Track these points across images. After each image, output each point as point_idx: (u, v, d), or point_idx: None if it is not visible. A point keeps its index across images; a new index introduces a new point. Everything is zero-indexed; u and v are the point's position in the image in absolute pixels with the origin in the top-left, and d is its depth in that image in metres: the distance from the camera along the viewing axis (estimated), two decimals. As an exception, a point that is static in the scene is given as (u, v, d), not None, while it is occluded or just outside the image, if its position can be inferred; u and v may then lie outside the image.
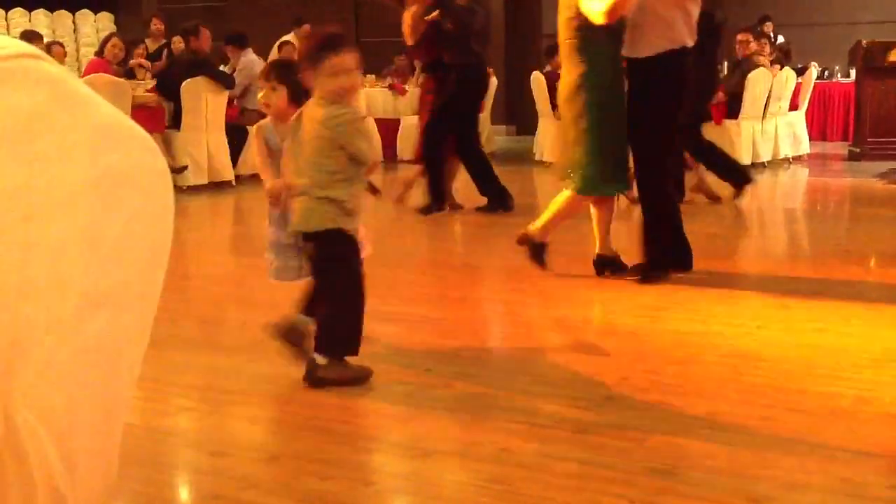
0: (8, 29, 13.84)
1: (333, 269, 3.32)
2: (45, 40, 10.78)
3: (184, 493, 2.43)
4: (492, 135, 12.37)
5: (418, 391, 3.21)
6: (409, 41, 7.36)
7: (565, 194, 4.74)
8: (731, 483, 2.46)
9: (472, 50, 7.15)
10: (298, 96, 3.47)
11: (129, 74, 9.19)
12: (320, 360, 3.20)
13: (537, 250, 4.85)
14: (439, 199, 7.19)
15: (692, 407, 3.04)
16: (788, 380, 3.27)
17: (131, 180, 0.68)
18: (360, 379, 3.24)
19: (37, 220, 0.61)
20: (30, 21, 14.55)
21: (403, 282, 5.07)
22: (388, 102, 11.80)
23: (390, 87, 11.87)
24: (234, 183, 8.84)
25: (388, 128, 11.40)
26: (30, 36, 8.82)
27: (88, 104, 0.66)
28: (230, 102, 8.96)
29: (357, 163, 3.24)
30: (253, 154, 3.90)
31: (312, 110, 3.25)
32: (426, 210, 7.12)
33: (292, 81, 3.49)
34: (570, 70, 4.65)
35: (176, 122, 8.35)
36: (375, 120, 11.31)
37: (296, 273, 3.54)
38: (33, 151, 0.60)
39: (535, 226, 4.85)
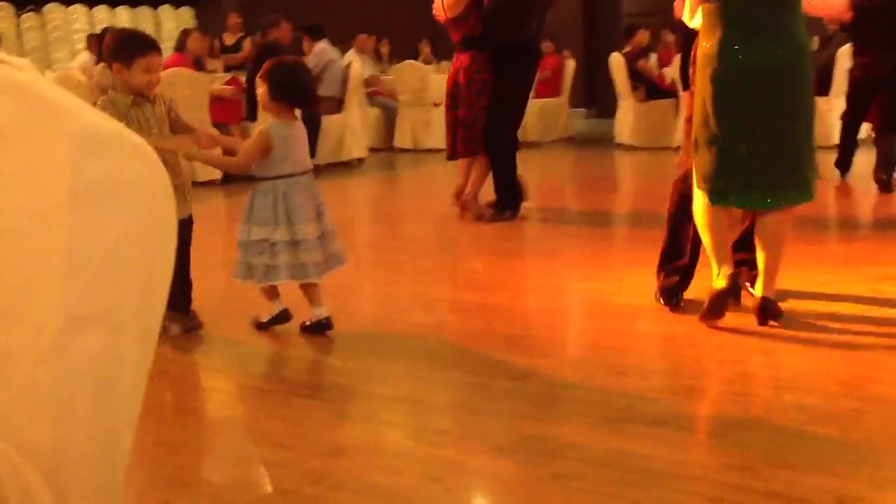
0: (93, 25, 14.15)
1: None
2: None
3: (249, 487, 2.39)
4: (571, 119, 12.19)
5: (488, 383, 3.13)
6: (450, 13, 6.30)
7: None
8: (818, 481, 2.32)
9: (523, 26, 6.22)
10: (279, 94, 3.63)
11: (199, 67, 9.27)
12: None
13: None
14: (513, 199, 6.41)
15: (777, 399, 2.90)
16: (884, 371, 3.09)
17: (122, 192, 0.62)
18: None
19: (6, 240, 0.55)
20: (113, 17, 14.86)
21: (472, 270, 4.99)
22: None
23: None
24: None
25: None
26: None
27: (64, 112, 0.60)
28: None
29: None
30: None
31: None
32: (499, 213, 6.38)
33: (272, 80, 3.65)
34: (789, 23, 3.48)
35: (253, 112, 8.41)
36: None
37: (261, 273, 3.61)
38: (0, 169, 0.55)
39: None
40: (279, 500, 2.30)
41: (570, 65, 11.95)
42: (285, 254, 3.58)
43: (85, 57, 10.38)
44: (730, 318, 3.60)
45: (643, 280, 4.17)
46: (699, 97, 3.52)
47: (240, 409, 2.96)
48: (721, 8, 3.44)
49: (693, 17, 3.65)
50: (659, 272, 3.96)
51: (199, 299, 3.90)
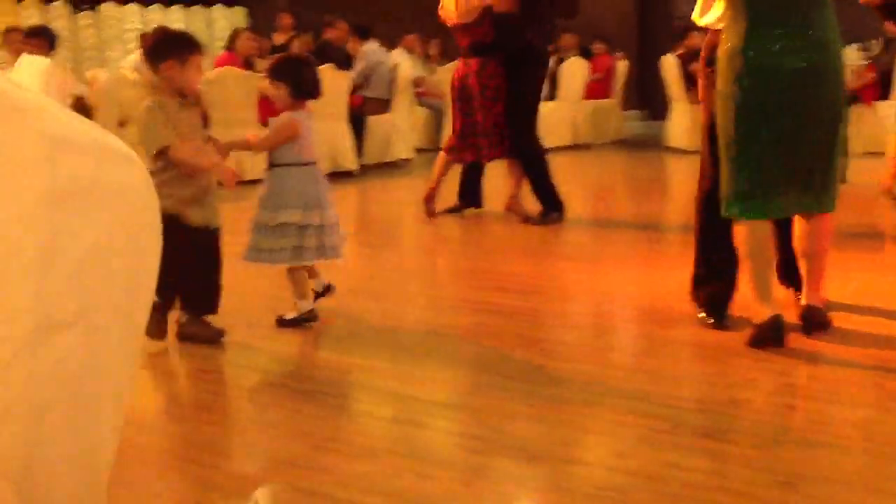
0: (146, 24, 14.31)
1: None
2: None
3: (279, 488, 2.36)
4: (622, 121, 12.07)
5: (525, 388, 3.07)
6: (463, 19, 6.24)
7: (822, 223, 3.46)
8: (866, 500, 2.23)
9: (537, 32, 6.19)
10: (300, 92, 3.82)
11: (249, 67, 9.33)
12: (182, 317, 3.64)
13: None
14: (554, 200, 6.40)
15: (824, 413, 2.80)
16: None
17: (103, 194, 0.59)
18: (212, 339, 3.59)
19: None
20: (166, 16, 15.03)
21: (514, 273, 4.93)
22: (514, 90, 11.62)
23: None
24: (355, 172, 8.87)
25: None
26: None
27: (38, 114, 0.57)
28: (353, 91, 9.00)
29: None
30: None
31: None
32: (544, 217, 6.36)
33: (292, 79, 3.81)
34: (816, 19, 3.29)
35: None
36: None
37: (267, 256, 3.73)
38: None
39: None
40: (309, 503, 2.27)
41: (623, 66, 11.84)
42: (314, 236, 3.74)
43: (137, 56, 10.50)
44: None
45: (687, 286, 4.08)
46: (721, 101, 3.33)
47: (273, 409, 2.94)
48: (743, 1, 3.26)
49: (703, 14, 3.53)
50: (696, 293, 3.75)
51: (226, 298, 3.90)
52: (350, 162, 8.88)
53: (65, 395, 0.54)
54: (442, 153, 6.58)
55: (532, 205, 6.46)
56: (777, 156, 3.27)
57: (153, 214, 0.57)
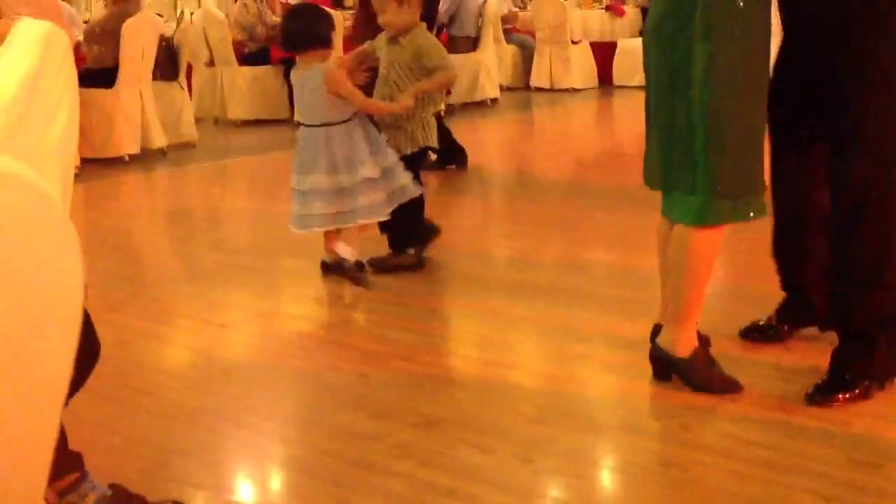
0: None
1: None
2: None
3: (336, 458, 2.35)
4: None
5: (596, 354, 2.99)
6: None
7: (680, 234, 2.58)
8: (950, 488, 2.10)
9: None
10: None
11: (337, 4, 9.23)
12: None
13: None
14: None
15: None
16: None
17: None
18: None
19: None
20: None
21: (599, 225, 4.80)
22: (606, 24, 11.30)
23: (608, 8, 11.35)
24: (442, 113, 8.76)
25: (605, 52, 10.93)
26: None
27: None
28: (439, 30, 8.84)
29: None
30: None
31: None
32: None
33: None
34: None
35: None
36: (591, 44, 10.88)
37: (319, 221, 3.68)
38: None
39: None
40: (364, 475, 2.25)
41: None
42: (319, 202, 3.67)
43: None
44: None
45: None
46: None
47: (338, 372, 2.93)
48: None
49: None
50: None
51: (305, 248, 3.90)
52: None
53: None
54: None
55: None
56: (648, 140, 2.74)
57: (53, 245, 0.48)
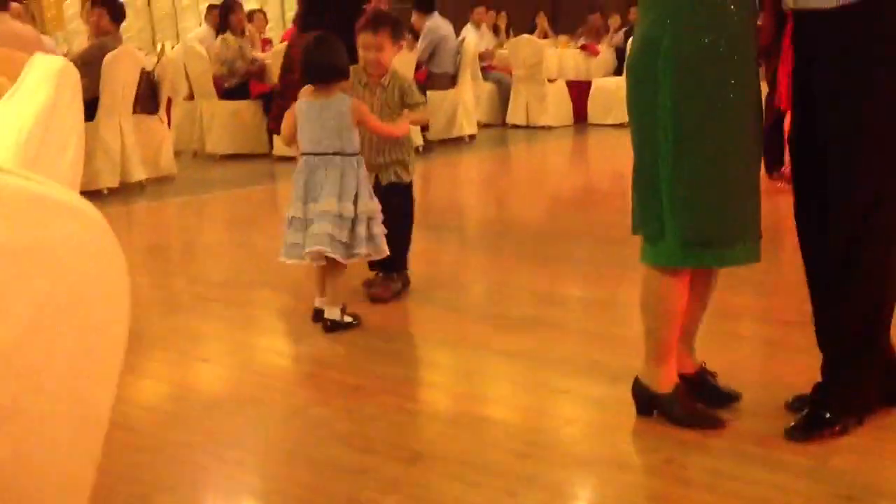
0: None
1: None
2: (248, 8, 11.12)
3: (323, 494, 2.35)
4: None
5: (578, 390, 3.02)
6: None
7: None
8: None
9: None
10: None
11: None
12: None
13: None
14: None
15: (889, 421, 2.69)
16: None
17: (39, 258, 0.51)
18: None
19: None
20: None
21: (579, 259, 4.84)
22: (581, 64, 11.45)
23: (583, 48, 11.52)
24: (419, 149, 8.82)
25: (581, 90, 11.07)
26: (230, 6, 9.06)
27: None
28: (418, 67, 8.92)
29: None
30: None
31: None
32: None
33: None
34: (642, 17, 2.61)
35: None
36: (567, 82, 11.01)
37: (299, 251, 3.61)
38: None
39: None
40: (353, 509, 2.25)
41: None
42: (302, 233, 3.59)
43: (202, 30, 10.57)
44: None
45: (746, 288, 3.96)
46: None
47: (324, 406, 2.93)
48: None
49: None
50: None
51: (284, 281, 3.90)
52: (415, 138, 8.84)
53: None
54: None
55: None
56: None
57: (114, 274, 0.50)
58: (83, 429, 0.53)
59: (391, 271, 4.06)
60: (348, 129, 3.66)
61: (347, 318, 3.64)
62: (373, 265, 4.02)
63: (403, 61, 8.35)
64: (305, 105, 3.68)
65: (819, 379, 2.68)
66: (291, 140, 3.77)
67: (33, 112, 0.97)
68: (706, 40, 2.45)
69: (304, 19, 5.74)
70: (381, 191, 3.88)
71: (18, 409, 0.48)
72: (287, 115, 3.77)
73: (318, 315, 3.69)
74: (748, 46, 2.51)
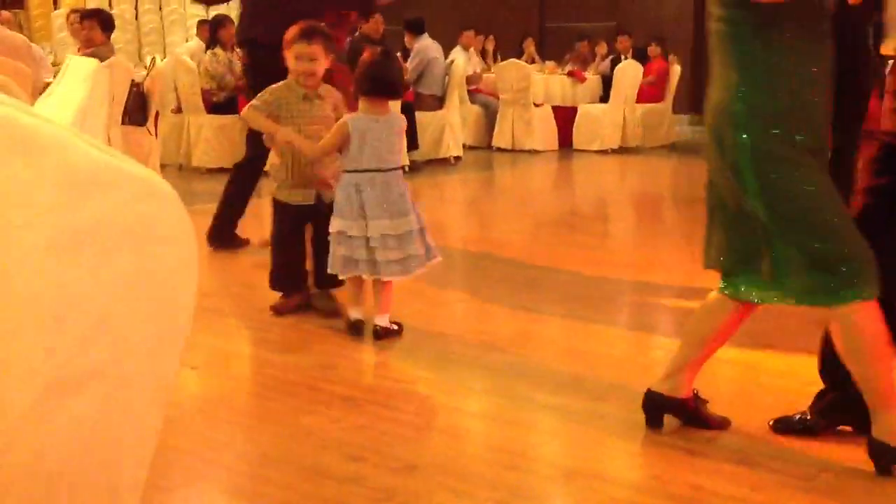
0: (208, 11, 14.42)
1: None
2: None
3: (313, 502, 2.39)
4: (673, 125, 11.93)
5: (569, 405, 3.07)
6: None
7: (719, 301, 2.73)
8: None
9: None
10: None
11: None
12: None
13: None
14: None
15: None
16: None
17: (127, 234, 0.56)
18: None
19: None
20: (228, 6, 15.09)
21: (562, 282, 4.91)
22: (567, 89, 11.57)
23: (570, 73, 11.64)
24: (405, 169, 8.88)
25: (566, 115, 11.18)
26: (220, 21, 9.12)
27: (61, 151, 0.54)
28: (406, 88, 9.00)
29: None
30: None
31: None
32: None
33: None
34: (717, 79, 2.58)
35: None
36: (553, 108, 11.12)
37: (340, 264, 3.67)
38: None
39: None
40: (346, 515, 2.29)
41: (676, 70, 11.71)
42: (363, 249, 3.61)
43: (193, 44, 10.61)
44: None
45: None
46: None
47: (314, 415, 2.97)
48: None
49: None
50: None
51: (274, 293, 3.93)
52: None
53: (79, 459, 0.52)
54: None
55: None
56: None
57: (187, 249, 0.55)
58: (154, 396, 0.58)
59: (334, 286, 4.03)
60: (400, 145, 3.79)
61: (394, 326, 3.75)
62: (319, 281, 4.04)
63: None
64: (366, 121, 3.62)
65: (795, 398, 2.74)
66: (331, 153, 3.76)
67: (72, 109, 1.02)
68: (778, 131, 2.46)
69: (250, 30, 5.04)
70: (325, 209, 3.82)
71: (106, 371, 0.53)
72: (340, 129, 3.66)
73: (356, 327, 3.75)
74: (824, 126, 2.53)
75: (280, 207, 4.04)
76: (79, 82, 1.06)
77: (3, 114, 0.50)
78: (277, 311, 4.05)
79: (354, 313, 3.78)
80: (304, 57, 3.86)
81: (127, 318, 0.53)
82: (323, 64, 3.91)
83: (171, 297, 0.55)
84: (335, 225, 3.67)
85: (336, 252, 3.67)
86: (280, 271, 4.09)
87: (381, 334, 3.69)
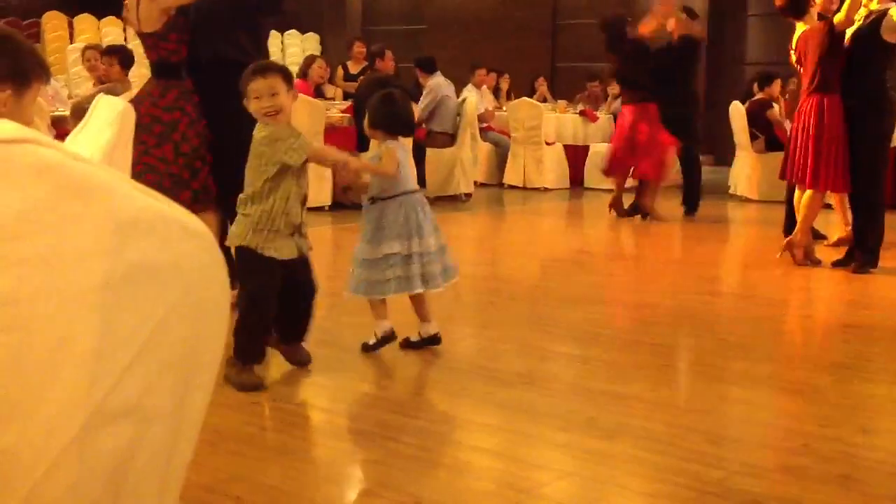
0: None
1: (243, 283, 3.53)
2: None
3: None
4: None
5: (579, 443, 3.05)
6: (145, 27, 4.62)
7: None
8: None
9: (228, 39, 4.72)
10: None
11: (318, 94, 9.46)
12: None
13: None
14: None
15: (882, 486, 2.73)
16: None
17: (165, 274, 0.59)
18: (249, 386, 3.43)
19: (19, 332, 0.53)
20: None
21: (569, 319, 4.90)
22: (579, 128, 11.63)
23: (581, 113, 11.71)
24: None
25: (578, 154, 11.23)
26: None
27: (106, 195, 0.58)
28: (418, 125, 9.07)
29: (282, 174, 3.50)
30: None
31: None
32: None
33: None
34: None
35: (364, 142, 8.52)
36: (564, 146, 11.16)
37: (395, 285, 3.87)
38: (19, 256, 0.53)
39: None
40: (353, 549, 2.28)
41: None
42: (417, 265, 3.88)
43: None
44: (840, 391, 3.43)
45: (736, 352, 4.03)
46: None
47: (323, 447, 2.96)
48: None
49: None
50: None
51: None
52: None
53: (112, 490, 0.53)
54: None
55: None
56: None
57: (218, 288, 0.57)
58: (185, 430, 0.59)
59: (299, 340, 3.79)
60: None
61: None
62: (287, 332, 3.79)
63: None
64: (400, 147, 3.93)
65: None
66: (396, 175, 3.90)
67: (100, 147, 1.05)
68: None
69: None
70: (305, 262, 3.67)
71: (141, 404, 0.54)
72: (394, 154, 3.84)
73: (387, 338, 3.95)
74: None
75: (262, 261, 3.49)
76: (107, 123, 1.09)
77: (57, 160, 0.53)
78: (243, 387, 3.45)
79: (386, 325, 3.96)
80: (264, 93, 3.46)
81: (162, 353, 0.54)
82: (286, 98, 3.51)
83: (204, 332, 0.56)
84: (392, 248, 3.85)
85: (386, 275, 3.86)
86: (255, 336, 3.54)
87: (438, 340, 4.02)
